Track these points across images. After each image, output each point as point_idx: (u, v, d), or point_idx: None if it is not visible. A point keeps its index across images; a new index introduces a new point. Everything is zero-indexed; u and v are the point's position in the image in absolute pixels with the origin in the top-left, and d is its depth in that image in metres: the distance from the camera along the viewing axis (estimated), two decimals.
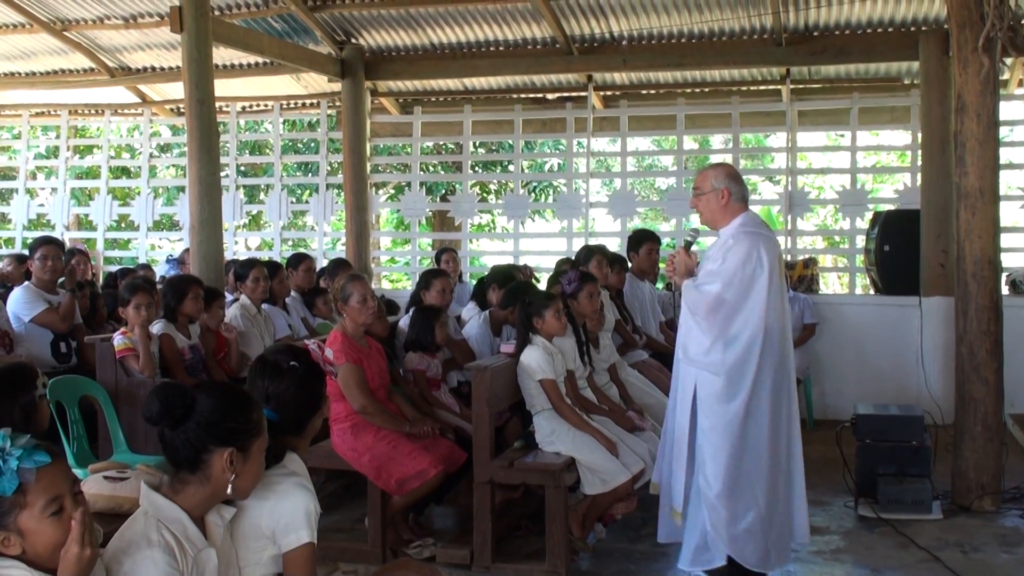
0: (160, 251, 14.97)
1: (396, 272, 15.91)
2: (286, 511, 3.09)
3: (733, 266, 4.96)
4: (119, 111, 13.55)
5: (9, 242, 14.27)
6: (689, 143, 11.97)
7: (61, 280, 7.56)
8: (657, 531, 5.39)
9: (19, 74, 12.77)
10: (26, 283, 7.45)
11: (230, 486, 2.83)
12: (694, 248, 5.41)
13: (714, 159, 18.99)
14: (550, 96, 12.09)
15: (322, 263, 10.86)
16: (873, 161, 17.51)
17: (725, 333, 4.95)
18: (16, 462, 2.42)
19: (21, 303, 7.27)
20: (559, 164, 16.66)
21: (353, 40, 11.30)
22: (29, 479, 2.43)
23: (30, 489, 2.43)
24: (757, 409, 4.94)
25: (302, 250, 12.24)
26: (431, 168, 14.28)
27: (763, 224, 5.21)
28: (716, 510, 4.95)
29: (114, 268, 12.86)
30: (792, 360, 5.18)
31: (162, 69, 12.26)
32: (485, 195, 17.92)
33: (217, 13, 10.05)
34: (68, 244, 12.12)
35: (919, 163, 10.12)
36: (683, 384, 5.15)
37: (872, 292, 10.71)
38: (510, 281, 7.64)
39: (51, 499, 2.45)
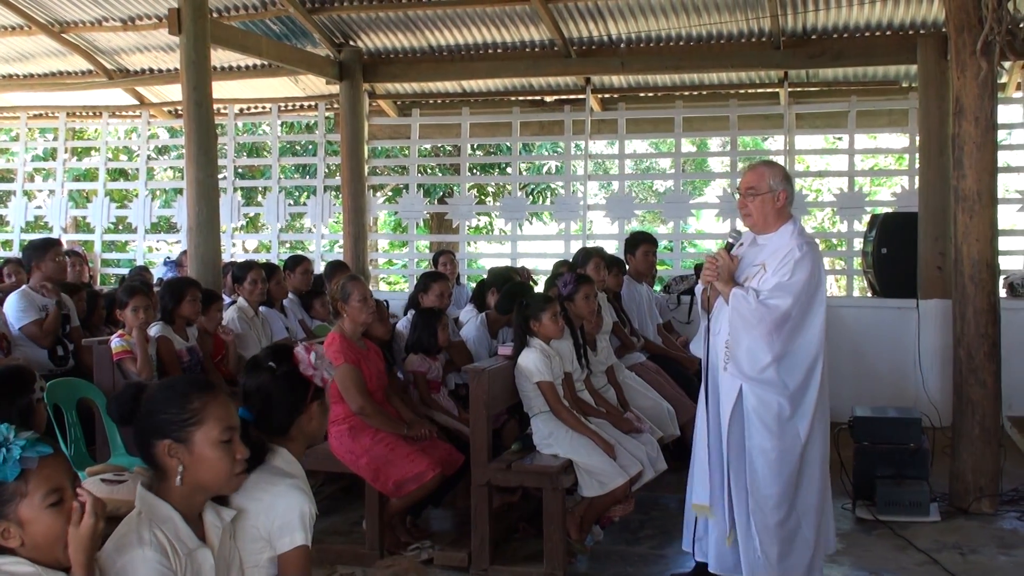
0: (158, 253, 14.93)
1: (394, 274, 15.91)
2: (281, 513, 3.08)
3: (803, 281, 4.76)
4: (117, 113, 13.55)
5: (7, 244, 14.26)
6: (687, 146, 11.98)
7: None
8: (713, 561, 5.06)
9: (17, 76, 12.76)
10: (23, 288, 7.41)
11: (179, 477, 2.81)
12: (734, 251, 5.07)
13: (712, 162, 19.05)
14: (548, 98, 12.09)
15: (320, 265, 10.87)
16: (871, 164, 17.58)
17: (784, 350, 4.76)
18: (19, 451, 2.45)
19: (15, 310, 7.25)
20: (557, 166, 16.64)
21: (351, 42, 11.31)
22: (31, 467, 2.46)
23: (31, 478, 2.46)
24: (818, 431, 4.83)
25: (300, 252, 12.23)
26: (429, 170, 14.28)
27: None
28: (771, 533, 4.80)
29: (112, 271, 12.89)
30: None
31: (160, 71, 12.28)
32: (483, 197, 17.93)
33: (215, 15, 10.05)
34: (65, 246, 12.13)
35: (917, 166, 10.13)
36: (726, 397, 4.91)
37: (870, 294, 10.71)
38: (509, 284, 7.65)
39: (51, 489, 2.48)
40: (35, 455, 2.47)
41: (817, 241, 4.96)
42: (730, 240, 5.14)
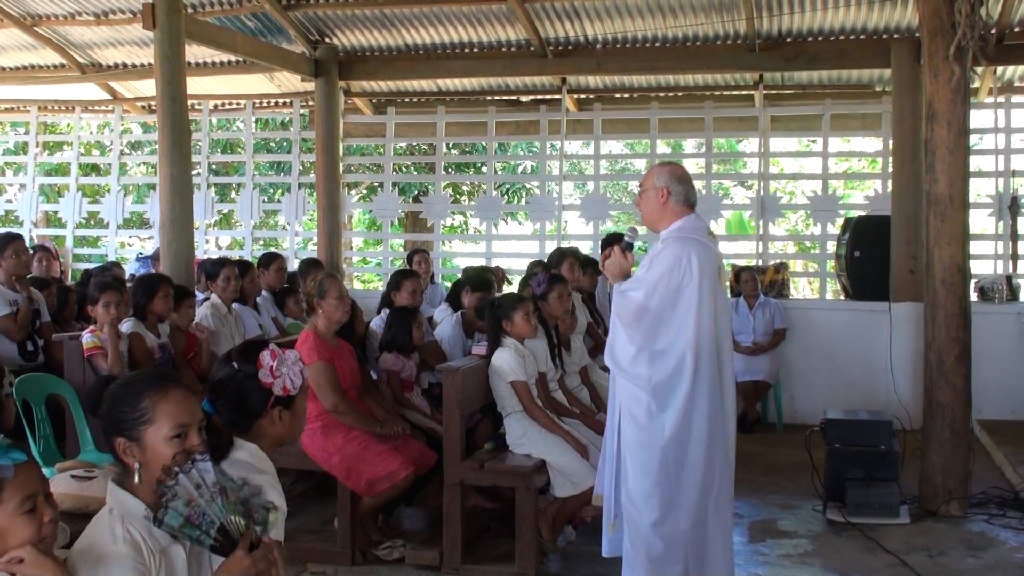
0: (130, 249, 14.84)
1: (368, 273, 15.87)
2: None
3: (658, 273, 4.69)
4: (90, 108, 13.45)
5: None
6: (662, 147, 11.99)
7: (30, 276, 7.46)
8: (604, 546, 5.03)
9: None
10: None
11: (137, 475, 2.78)
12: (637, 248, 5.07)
13: (687, 163, 19.11)
14: (524, 98, 12.10)
15: (294, 263, 10.83)
16: (844, 167, 17.67)
17: (650, 345, 4.68)
18: None
19: None
20: (532, 166, 16.66)
21: (327, 40, 11.27)
22: (7, 475, 2.42)
23: (6, 486, 2.42)
24: (689, 429, 4.66)
25: (273, 250, 12.19)
26: (404, 169, 14.25)
27: (702, 230, 4.86)
28: (638, 530, 4.74)
29: (83, 266, 12.79)
30: (730, 377, 4.87)
31: (134, 66, 12.19)
32: (458, 196, 17.92)
33: (190, 10, 9.99)
34: (35, 241, 12.03)
35: (890, 170, 10.21)
36: (612, 391, 4.92)
37: (842, 297, 10.77)
38: (484, 283, 7.64)
39: (26, 496, 2.44)
40: (10, 463, 2.43)
41: (699, 238, 4.73)
42: (627, 238, 5.13)
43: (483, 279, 7.82)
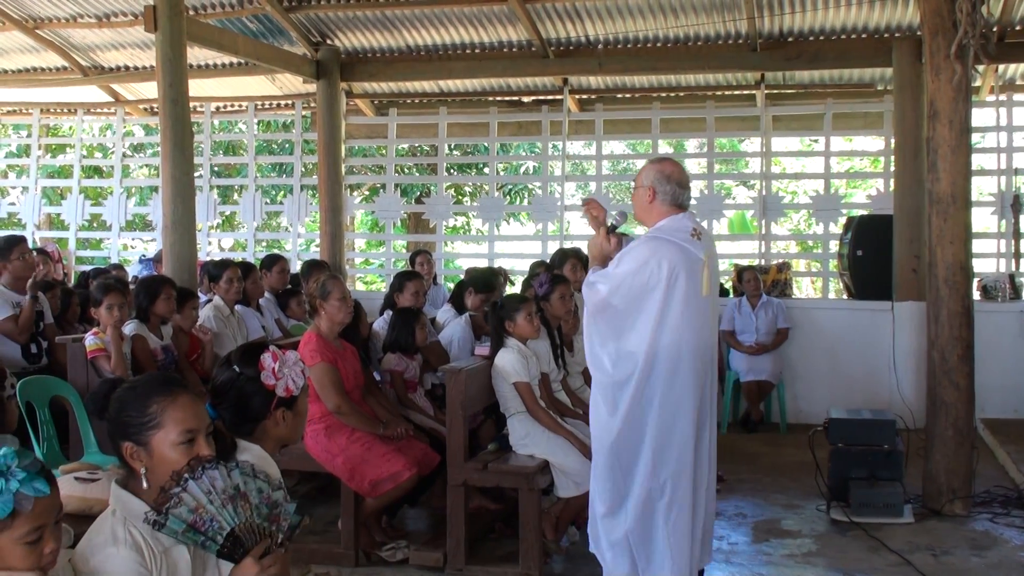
0: (132, 251, 14.82)
1: (371, 274, 15.87)
2: None
3: (624, 271, 4.63)
4: (92, 110, 13.47)
5: None
6: (664, 147, 12.00)
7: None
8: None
9: None
10: None
11: (144, 479, 2.78)
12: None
13: (689, 163, 19.11)
14: (525, 99, 12.10)
15: (296, 264, 10.83)
16: (847, 166, 17.66)
17: (619, 344, 4.65)
18: (17, 485, 2.38)
19: None
20: (534, 167, 16.66)
21: (328, 41, 11.28)
22: (26, 508, 2.39)
23: (20, 515, 2.39)
24: (638, 434, 4.63)
25: (276, 251, 12.19)
26: (406, 170, 14.26)
27: (683, 231, 4.66)
28: (595, 520, 4.83)
29: (86, 268, 12.80)
30: (698, 387, 4.68)
31: (136, 68, 12.20)
32: (460, 197, 17.93)
33: (191, 13, 10.00)
34: (38, 243, 12.04)
35: (892, 169, 10.21)
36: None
37: (845, 297, 10.77)
38: (488, 284, 7.63)
39: (35, 528, 2.42)
40: (32, 494, 2.39)
41: (677, 240, 4.61)
42: (612, 222, 5.03)
43: (487, 281, 7.81)
